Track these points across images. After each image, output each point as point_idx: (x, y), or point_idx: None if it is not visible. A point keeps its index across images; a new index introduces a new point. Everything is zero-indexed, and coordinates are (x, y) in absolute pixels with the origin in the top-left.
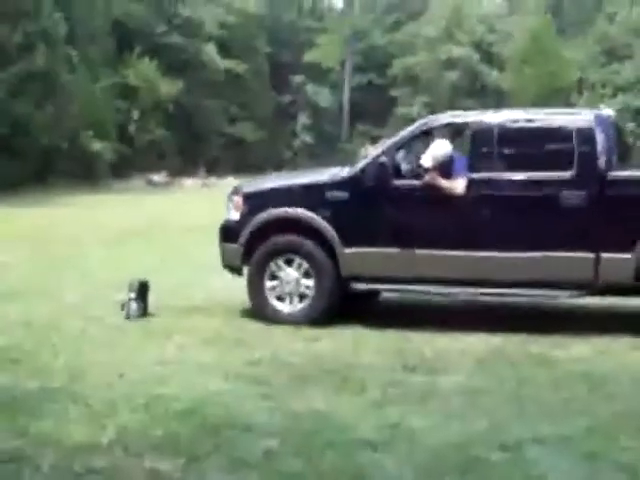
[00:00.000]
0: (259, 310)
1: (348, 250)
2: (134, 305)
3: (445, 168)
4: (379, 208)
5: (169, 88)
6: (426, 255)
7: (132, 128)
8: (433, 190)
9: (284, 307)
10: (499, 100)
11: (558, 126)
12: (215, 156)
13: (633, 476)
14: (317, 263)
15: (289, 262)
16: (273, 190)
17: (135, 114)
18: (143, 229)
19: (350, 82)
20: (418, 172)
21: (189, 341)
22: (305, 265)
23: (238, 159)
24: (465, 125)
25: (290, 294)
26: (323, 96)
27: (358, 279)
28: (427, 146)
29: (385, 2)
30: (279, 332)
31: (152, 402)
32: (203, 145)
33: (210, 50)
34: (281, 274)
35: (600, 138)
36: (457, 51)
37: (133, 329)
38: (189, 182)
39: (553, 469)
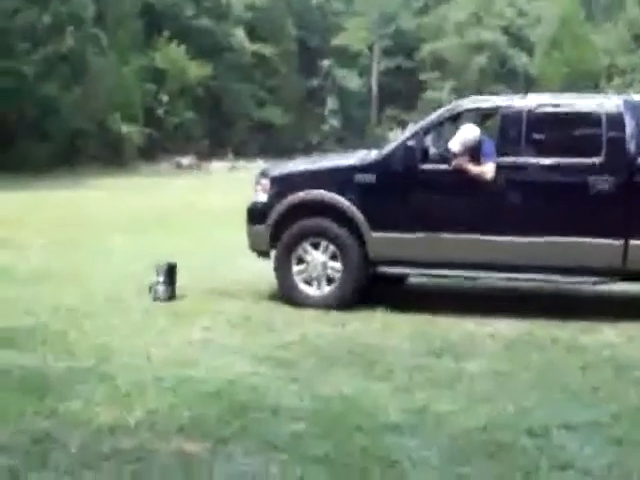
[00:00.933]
0: (287, 293)
1: (375, 234)
2: (162, 288)
3: (473, 152)
4: (407, 192)
5: (198, 71)
6: (453, 239)
7: (160, 111)
8: (461, 175)
9: (312, 290)
10: (527, 84)
11: (587, 111)
12: (243, 139)
13: None
14: (345, 246)
15: (316, 245)
16: (301, 173)
17: (164, 97)
18: (171, 212)
19: (378, 66)
20: (446, 156)
21: (217, 324)
22: (333, 249)
23: (266, 143)
24: (494, 109)
25: (317, 278)
26: (351, 80)
27: (385, 263)
28: (455, 130)
29: None
30: (307, 315)
31: (179, 384)
32: (231, 128)
33: (239, 33)
34: (308, 257)
35: (629, 123)
36: (486, 35)
37: (161, 312)
38: (217, 165)
39: (580, 454)
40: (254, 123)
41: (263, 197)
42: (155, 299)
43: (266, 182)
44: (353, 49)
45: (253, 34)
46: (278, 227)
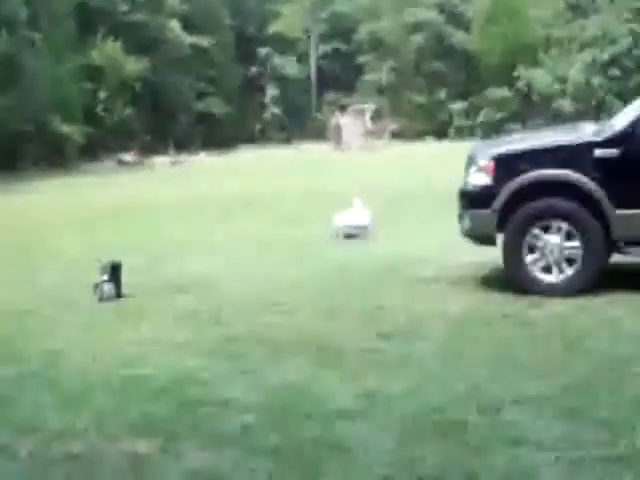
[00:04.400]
0: (518, 281)
1: (620, 212)
2: (107, 287)
3: None
4: None
5: (134, 67)
6: None
7: (100, 109)
8: None
9: (546, 277)
10: (466, 61)
11: None
12: (185, 132)
13: (611, 431)
14: (586, 227)
15: (547, 228)
16: (530, 151)
17: (102, 95)
18: (112, 210)
19: (316, 51)
20: None
21: (164, 320)
22: (570, 230)
23: (208, 134)
24: None
25: (553, 263)
26: (290, 67)
27: (630, 243)
28: None
29: None
30: (256, 306)
31: (128, 383)
32: (172, 122)
33: (174, 26)
34: (542, 241)
35: None
36: (422, 14)
37: (107, 311)
38: (159, 160)
39: (532, 429)
40: (195, 115)
41: (485, 179)
42: (101, 299)
43: (489, 163)
44: (290, 35)
45: (189, 26)
46: (506, 210)
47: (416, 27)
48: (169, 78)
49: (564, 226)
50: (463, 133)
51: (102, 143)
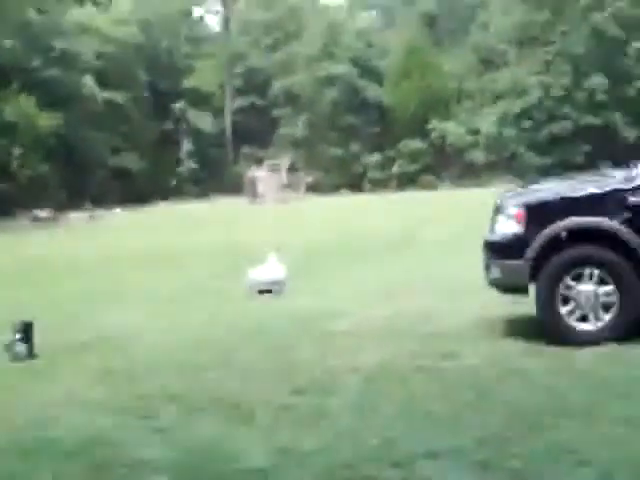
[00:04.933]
0: (551, 330)
1: None
2: (19, 346)
3: None
4: None
5: (48, 122)
6: None
7: (14, 165)
8: None
9: (581, 325)
10: (380, 114)
11: None
12: (101, 188)
13: None
14: (621, 274)
15: (580, 277)
16: (562, 199)
17: (16, 151)
18: (22, 268)
19: (231, 105)
20: None
21: (77, 379)
22: (606, 278)
23: (124, 189)
24: None
25: (589, 311)
26: (205, 121)
27: None
28: None
29: (262, 23)
30: (169, 363)
31: (38, 446)
32: (88, 177)
33: (88, 81)
34: (577, 289)
35: None
36: (335, 68)
37: (19, 371)
38: (75, 216)
39: None
40: (110, 170)
41: (516, 227)
42: (13, 359)
43: (520, 211)
44: (205, 90)
45: (103, 81)
46: (540, 260)
47: (330, 81)
48: (84, 133)
49: (599, 274)
50: (378, 185)
51: (17, 199)
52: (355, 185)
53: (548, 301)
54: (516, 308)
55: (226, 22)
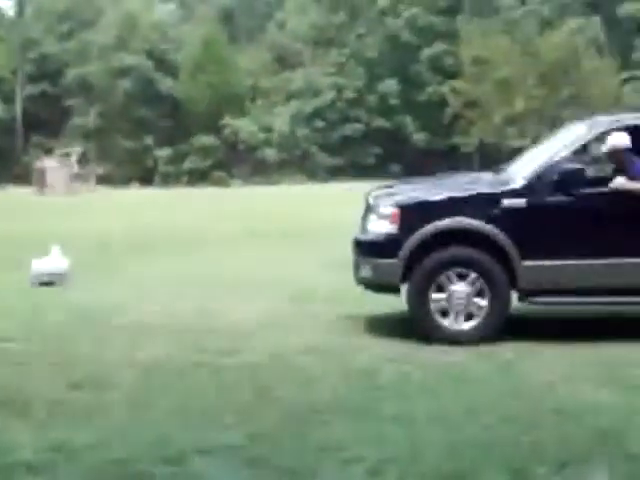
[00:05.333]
0: (423, 329)
1: (527, 262)
2: None
3: (622, 167)
4: (562, 216)
5: None
6: (613, 264)
7: None
8: (619, 195)
9: (450, 324)
10: (174, 108)
11: None
12: None
13: (293, 479)
14: (492, 276)
15: (458, 277)
16: (438, 201)
17: None
18: None
19: (23, 92)
20: (601, 178)
21: None
22: (477, 279)
23: None
24: None
25: (459, 311)
26: None
27: (536, 292)
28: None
29: (58, 10)
30: None
31: None
32: None
33: None
34: (450, 289)
35: None
36: (130, 59)
37: None
38: None
39: (215, 479)
40: None
41: (389, 227)
42: None
43: (394, 211)
44: None
45: None
46: (413, 260)
47: (124, 72)
48: None
49: (471, 275)
50: (169, 179)
51: None
52: (146, 178)
53: (420, 301)
54: (300, 304)
55: (21, 7)
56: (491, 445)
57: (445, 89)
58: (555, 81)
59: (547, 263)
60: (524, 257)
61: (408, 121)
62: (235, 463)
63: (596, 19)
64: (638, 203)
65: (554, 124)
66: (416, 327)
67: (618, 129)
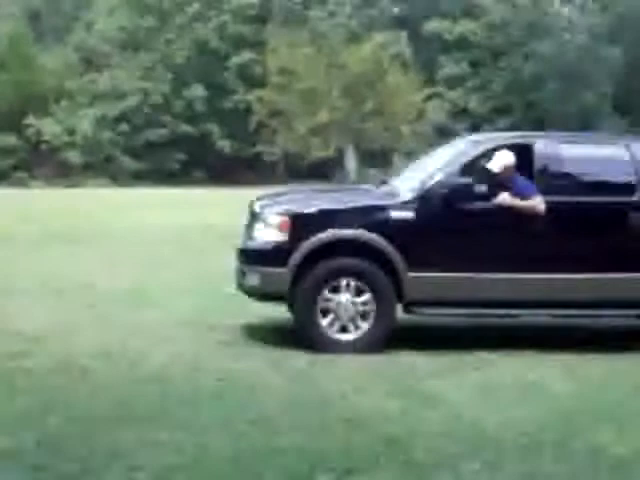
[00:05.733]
0: (308, 338)
1: (413, 274)
2: None
3: (507, 184)
4: (448, 230)
5: None
6: (495, 278)
7: None
8: (504, 211)
9: (340, 335)
10: None
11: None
12: None
13: None
14: (379, 287)
15: (346, 287)
16: (328, 211)
17: None
18: None
19: None
20: (488, 193)
21: None
22: (365, 290)
23: None
24: (531, 146)
25: (348, 321)
26: None
27: (421, 304)
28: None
29: None
30: None
31: None
32: None
33: None
34: (337, 299)
35: None
36: None
37: None
38: None
39: None
40: None
41: (278, 236)
42: None
43: (285, 220)
44: None
45: None
46: (302, 269)
47: None
48: None
49: (359, 285)
50: None
51: None
52: None
53: (307, 311)
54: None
55: None
56: (276, 453)
57: (251, 97)
58: (360, 94)
59: (432, 275)
60: (410, 269)
61: (214, 128)
62: (19, 469)
63: (403, 35)
64: (520, 219)
65: (358, 136)
66: (301, 336)
67: (503, 147)
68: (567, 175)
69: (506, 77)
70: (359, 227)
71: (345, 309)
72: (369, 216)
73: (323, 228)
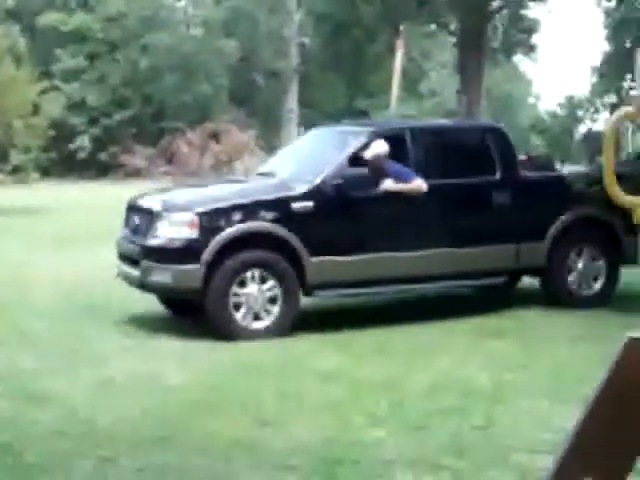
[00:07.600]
0: (222, 329)
1: (314, 259)
2: None
3: (382, 171)
4: (342, 217)
5: None
6: (380, 258)
7: None
8: (388, 197)
9: (248, 323)
10: None
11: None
12: None
13: None
14: (285, 275)
15: (254, 278)
16: (234, 206)
17: None
18: None
19: None
20: (373, 180)
21: None
22: (271, 279)
23: None
24: (405, 131)
25: (255, 310)
26: None
27: (321, 287)
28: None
29: None
30: None
31: None
32: None
33: None
34: (246, 290)
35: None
36: None
37: None
38: None
39: None
40: None
41: (187, 233)
42: None
43: (191, 217)
44: None
45: None
46: (213, 264)
47: None
48: None
49: (265, 275)
50: None
51: None
52: None
53: (219, 303)
54: None
55: None
56: None
57: None
58: None
59: (330, 259)
60: (311, 255)
61: None
62: None
63: (15, 28)
64: (403, 203)
65: None
66: (215, 328)
67: (379, 137)
68: (438, 159)
69: (123, 70)
70: (264, 219)
71: (255, 299)
72: (272, 208)
73: (231, 223)
